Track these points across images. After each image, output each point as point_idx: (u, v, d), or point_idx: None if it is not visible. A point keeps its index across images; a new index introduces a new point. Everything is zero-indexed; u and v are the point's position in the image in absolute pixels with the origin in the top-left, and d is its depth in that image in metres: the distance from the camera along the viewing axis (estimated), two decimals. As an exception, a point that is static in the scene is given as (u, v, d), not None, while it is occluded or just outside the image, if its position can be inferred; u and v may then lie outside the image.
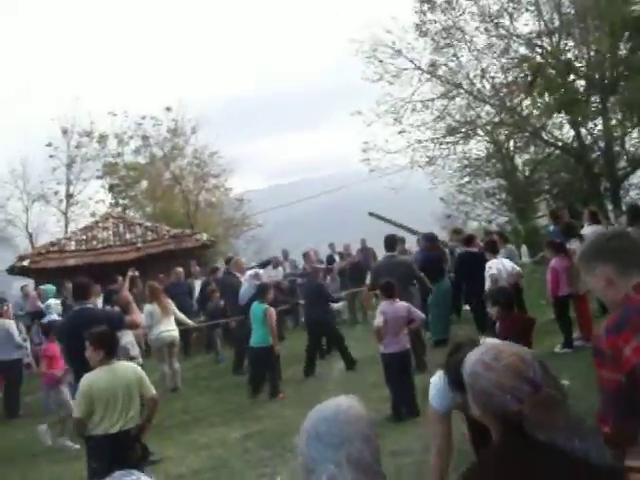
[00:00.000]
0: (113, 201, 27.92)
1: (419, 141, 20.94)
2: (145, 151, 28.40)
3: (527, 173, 24.22)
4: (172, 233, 18.53)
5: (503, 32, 20.37)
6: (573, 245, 9.17)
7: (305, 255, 13.89)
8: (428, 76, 20.74)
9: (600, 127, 20.86)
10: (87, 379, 4.94)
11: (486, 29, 20.48)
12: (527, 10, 19.77)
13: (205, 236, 18.93)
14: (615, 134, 20.45)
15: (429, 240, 11.29)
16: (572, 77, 17.78)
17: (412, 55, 20.56)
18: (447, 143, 21.82)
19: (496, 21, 19.78)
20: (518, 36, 20.44)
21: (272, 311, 9.08)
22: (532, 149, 23.40)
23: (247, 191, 30.97)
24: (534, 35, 20.06)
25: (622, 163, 21.48)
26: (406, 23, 20.32)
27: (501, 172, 23.73)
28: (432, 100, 21.01)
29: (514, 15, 19.82)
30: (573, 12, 19.06)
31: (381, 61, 20.16)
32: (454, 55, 20.81)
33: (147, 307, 10.46)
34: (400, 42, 20.31)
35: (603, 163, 20.72)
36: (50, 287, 12.75)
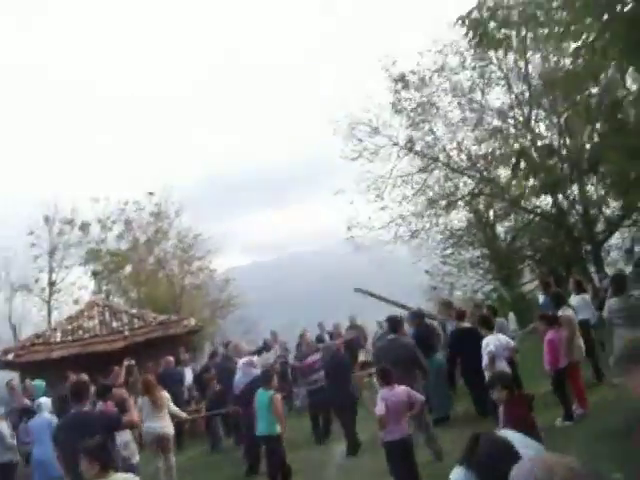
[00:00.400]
0: (96, 288, 27.74)
1: (401, 216, 21.26)
2: (128, 236, 28.47)
3: (508, 240, 24.55)
4: (159, 320, 18.36)
5: (476, 106, 21.06)
6: (566, 312, 9.26)
7: (302, 336, 13.73)
8: (406, 151, 21.22)
9: (577, 191, 21.41)
10: None
11: (459, 103, 21.17)
12: (497, 84, 20.49)
13: (193, 321, 18.78)
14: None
15: (416, 317, 11.29)
16: (554, 159, 18.29)
17: (389, 132, 21.15)
18: (428, 216, 22.16)
19: (469, 96, 20.44)
20: (490, 109, 21.14)
21: (278, 398, 8.92)
22: (512, 217, 23.80)
23: (231, 268, 30.87)
24: (505, 107, 20.76)
25: (600, 226, 21.92)
26: (382, 101, 20.98)
27: (483, 241, 24.03)
28: (411, 175, 21.45)
29: (485, 90, 20.51)
30: (541, 84, 19.78)
31: (360, 140, 20.66)
32: (430, 130, 21.39)
33: (139, 400, 10.33)
34: (377, 120, 20.92)
35: (582, 227, 21.11)
36: (40, 383, 12.45)
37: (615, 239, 23.45)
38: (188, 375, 14.44)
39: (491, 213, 24.06)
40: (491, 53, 18.44)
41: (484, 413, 9.10)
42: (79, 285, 28.87)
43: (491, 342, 8.71)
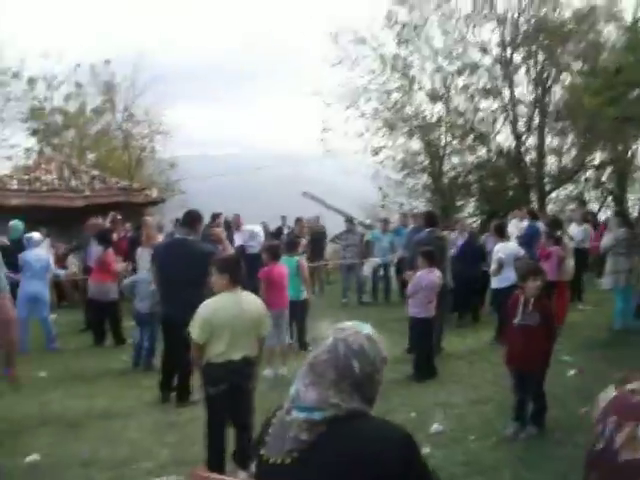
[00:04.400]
0: (39, 147, 26.27)
1: (378, 128, 21.57)
2: (76, 99, 27.06)
3: (452, 176, 25.08)
4: (121, 185, 17.98)
5: (460, 36, 21.29)
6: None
7: (297, 220, 13.89)
8: (388, 67, 21.29)
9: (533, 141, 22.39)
10: (207, 305, 4.81)
11: (445, 31, 21.31)
12: (490, 21, 20.73)
13: (155, 192, 18.49)
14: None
15: None
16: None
17: (375, 44, 21.12)
18: (393, 135, 22.54)
19: (459, 26, 20.65)
20: (476, 43, 21.45)
21: (304, 262, 9.24)
22: (466, 153, 24.48)
23: (178, 156, 29.78)
24: (491, 44, 21.16)
25: (548, 178, 23.10)
26: (372, 13, 20.92)
27: (431, 171, 24.67)
28: (388, 92, 21.61)
29: (478, 23, 20.73)
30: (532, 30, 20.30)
31: (357, 43, 20.52)
32: (413, 51, 21.47)
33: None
34: (366, 30, 20.82)
35: (535, 176, 22.18)
36: (17, 222, 11.96)
37: (554, 193, 24.83)
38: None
39: (444, 144, 24.56)
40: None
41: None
42: (13, 143, 27.14)
43: (501, 250, 9.34)
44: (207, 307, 4.79)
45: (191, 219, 6.72)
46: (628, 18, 17.15)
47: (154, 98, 26.69)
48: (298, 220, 13.24)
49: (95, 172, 18.73)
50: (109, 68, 26.86)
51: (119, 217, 12.84)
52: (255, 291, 8.81)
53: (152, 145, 27.78)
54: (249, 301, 4.94)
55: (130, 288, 9.01)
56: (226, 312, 4.74)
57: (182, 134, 29.01)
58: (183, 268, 6.40)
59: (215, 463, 4.66)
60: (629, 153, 22.58)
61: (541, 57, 21.27)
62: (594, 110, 7.89)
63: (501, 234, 9.47)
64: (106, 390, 7.43)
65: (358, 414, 1.84)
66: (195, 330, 4.73)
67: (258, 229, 10.86)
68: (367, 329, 1.97)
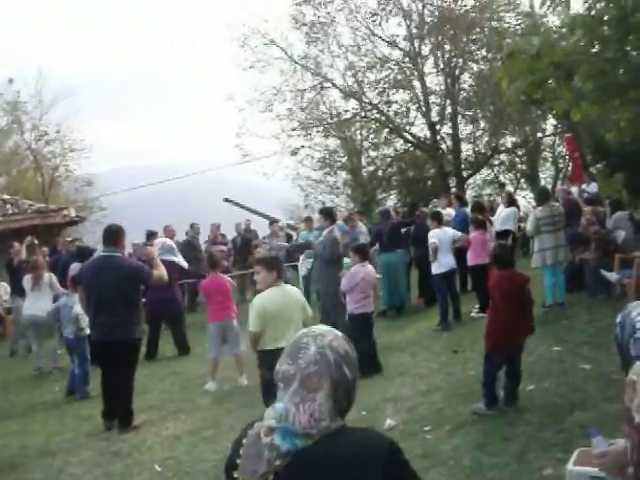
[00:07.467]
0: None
1: (292, 129, 21.49)
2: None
3: (371, 170, 25.23)
4: (35, 207, 17.23)
5: (367, 32, 21.51)
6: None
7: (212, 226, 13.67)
8: (299, 67, 21.25)
9: (447, 129, 22.84)
10: (261, 298, 5.37)
11: (353, 28, 21.47)
12: (396, 15, 21.00)
13: (73, 211, 17.81)
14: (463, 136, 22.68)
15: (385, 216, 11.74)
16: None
17: (284, 45, 21.05)
18: (310, 134, 22.54)
19: (366, 22, 20.83)
20: (382, 38, 21.69)
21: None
22: (383, 147, 24.69)
23: (88, 173, 28.91)
24: (399, 39, 21.43)
25: (465, 164, 23.63)
26: (279, 13, 20.83)
27: (349, 167, 24.83)
28: (302, 91, 21.58)
29: (384, 18, 20.96)
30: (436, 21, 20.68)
31: (266, 44, 20.36)
32: (322, 50, 21.53)
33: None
34: (274, 31, 20.72)
35: (452, 162, 22.63)
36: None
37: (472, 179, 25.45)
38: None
39: (363, 138, 24.71)
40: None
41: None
42: None
43: (435, 235, 9.43)
44: (260, 301, 5.37)
45: (112, 235, 6.35)
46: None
47: (63, 115, 25.81)
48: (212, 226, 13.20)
49: (5, 196, 17.90)
50: (13, 87, 25.78)
51: (35, 241, 12.31)
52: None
53: (66, 164, 26.88)
54: (292, 292, 5.70)
55: (54, 314, 8.64)
56: (276, 304, 5.34)
57: (98, 150, 28.23)
58: (113, 286, 6.09)
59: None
60: (537, 134, 23.39)
61: (448, 47, 21.72)
62: (513, 96, 8.00)
63: (439, 221, 9.60)
64: (41, 425, 7.02)
65: (337, 430, 1.70)
66: (251, 321, 5.35)
67: (170, 242, 10.72)
68: (337, 331, 1.82)
